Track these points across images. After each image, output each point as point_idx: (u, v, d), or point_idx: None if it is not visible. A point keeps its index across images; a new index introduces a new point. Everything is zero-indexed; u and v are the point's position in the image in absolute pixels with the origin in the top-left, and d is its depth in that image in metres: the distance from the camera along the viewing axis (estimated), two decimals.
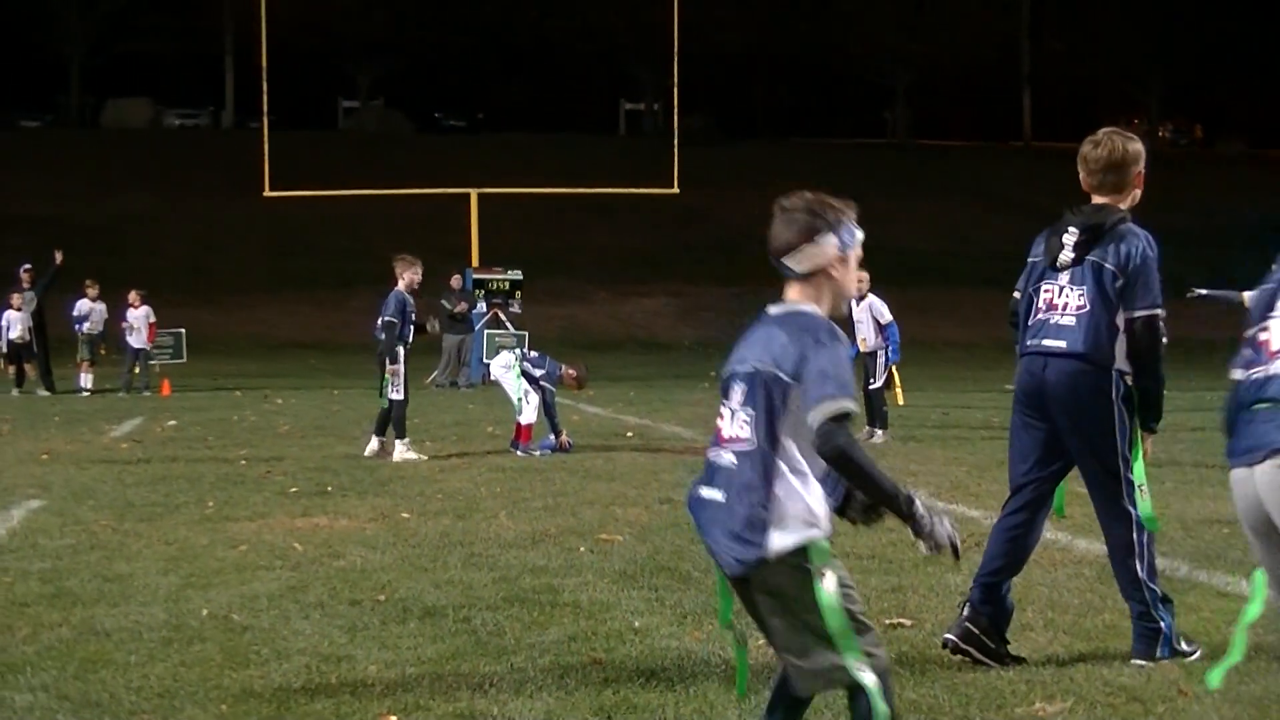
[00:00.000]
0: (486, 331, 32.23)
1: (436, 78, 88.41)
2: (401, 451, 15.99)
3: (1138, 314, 6.38)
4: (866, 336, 18.51)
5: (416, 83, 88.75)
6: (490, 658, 6.56)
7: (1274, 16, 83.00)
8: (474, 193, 35.41)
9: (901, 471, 14.19)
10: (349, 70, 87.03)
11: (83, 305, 30.39)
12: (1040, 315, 6.63)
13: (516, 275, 33.79)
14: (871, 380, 18.54)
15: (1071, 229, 6.56)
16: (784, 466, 4.27)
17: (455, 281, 31.61)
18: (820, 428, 4.17)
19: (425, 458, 15.94)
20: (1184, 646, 6.50)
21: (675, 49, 36.40)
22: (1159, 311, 6.39)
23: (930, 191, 70.22)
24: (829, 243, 4.43)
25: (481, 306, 32.74)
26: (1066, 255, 6.54)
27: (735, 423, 4.36)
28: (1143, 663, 6.38)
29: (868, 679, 4.20)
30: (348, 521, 10.98)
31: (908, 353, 20.75)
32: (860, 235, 4.51)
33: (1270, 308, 4.46)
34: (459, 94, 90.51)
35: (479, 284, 33.08)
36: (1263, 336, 4.40)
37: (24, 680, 6.21)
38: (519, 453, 16.39)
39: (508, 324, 32.78)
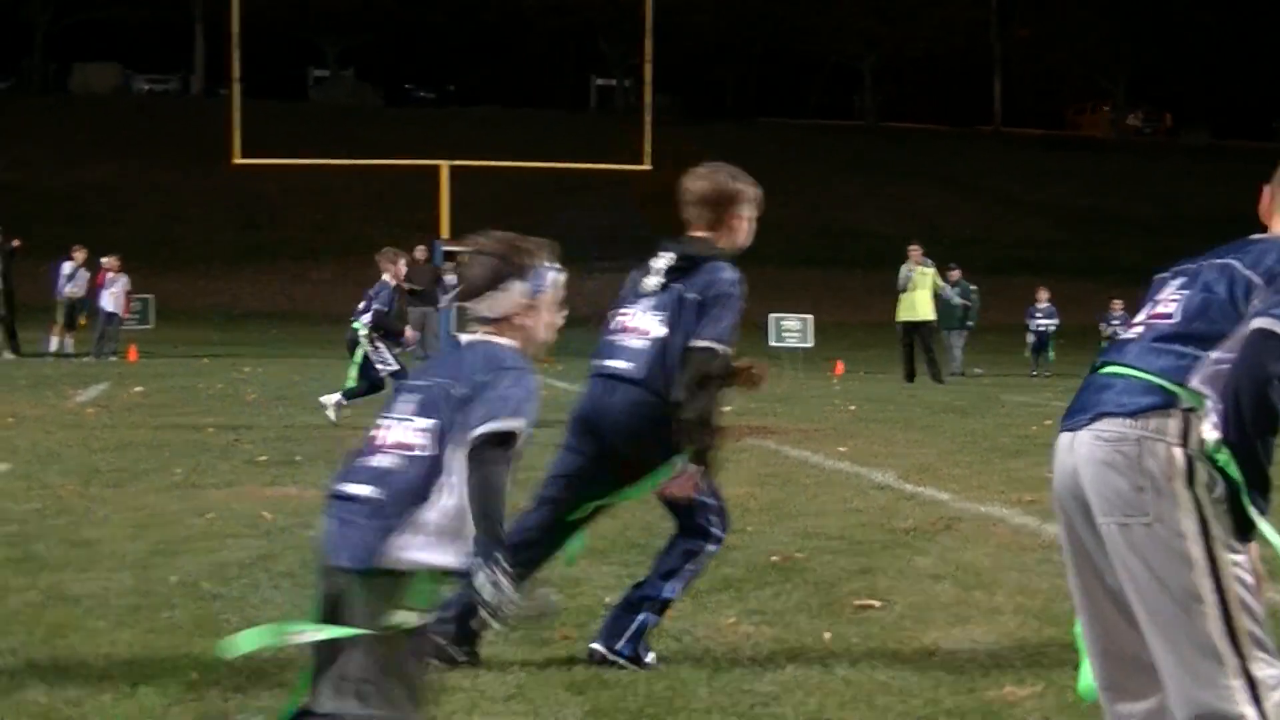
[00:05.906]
0: (456, 304, 32.10)
1: (407, 50, 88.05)
2: (331, 402, 16.23)
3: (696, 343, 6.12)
4: None
5: (387, 54, 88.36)
6: None
7: (1240, 6, 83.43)
8: (445, 165, 35.22)
9: (867, 454, 14.18)
10: (319, 40, 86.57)
11: (67, 268, 30.36)
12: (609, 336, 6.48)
13: None
14: None
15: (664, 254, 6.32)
16: (438, 485, 4.05)
17: (420, 253, 31.44)
18: (478, 440, 4.02)
19: (336, 422, 16.01)
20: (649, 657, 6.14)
21: (648, 25, 36.35)
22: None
23: (897, 175, 70.19)
24: (515, 289, 4.30)
25: (452, 279, 32.56)
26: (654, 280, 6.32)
27: (399, 429, 4.13)
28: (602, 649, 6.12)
29: None
30: (317, 491, 10.88)
31: (875, 336, 20.63)
32: (557, 278, 4.43)
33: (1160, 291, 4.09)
34: (429, 67, 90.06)
35: (449, 255, 32.91)
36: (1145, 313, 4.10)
37: None
38: None
39: None
